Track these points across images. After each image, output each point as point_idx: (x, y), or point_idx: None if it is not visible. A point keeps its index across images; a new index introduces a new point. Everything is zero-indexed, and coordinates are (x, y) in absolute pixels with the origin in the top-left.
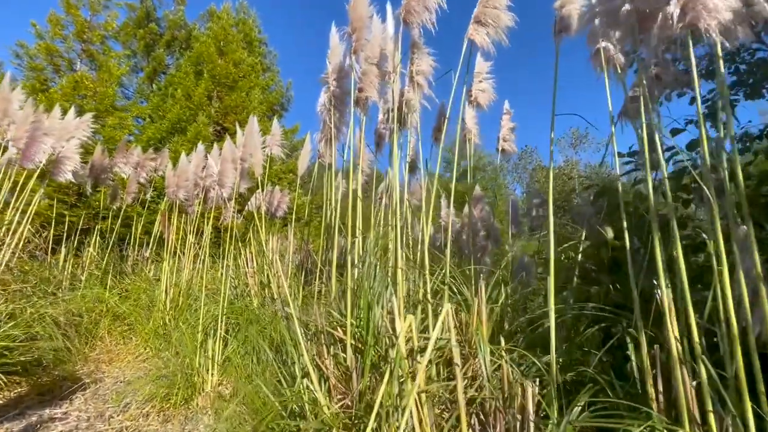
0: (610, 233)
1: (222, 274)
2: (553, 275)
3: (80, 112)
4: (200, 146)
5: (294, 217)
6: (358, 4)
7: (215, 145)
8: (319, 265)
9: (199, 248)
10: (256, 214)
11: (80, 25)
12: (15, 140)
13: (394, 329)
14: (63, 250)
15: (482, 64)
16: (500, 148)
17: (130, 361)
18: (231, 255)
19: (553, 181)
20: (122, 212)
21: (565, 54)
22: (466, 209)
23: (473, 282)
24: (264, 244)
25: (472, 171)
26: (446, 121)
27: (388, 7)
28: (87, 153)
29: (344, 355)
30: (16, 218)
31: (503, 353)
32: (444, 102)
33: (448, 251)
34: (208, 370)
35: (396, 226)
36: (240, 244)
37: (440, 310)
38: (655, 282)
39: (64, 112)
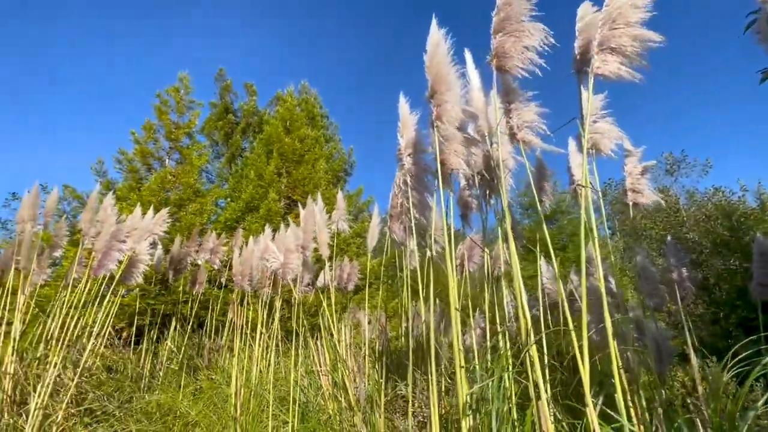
0: None
1: (293, 377)
2: None
3: (166, 204)
4: (267, 229)
5: (367, 282)
6: (437, 59)
7: (283, 226)
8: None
9: (269, 337)
10: (325, 301)
11: (168, 127)
12: (96, 251)
13: None
14: (144, 343)
15: (592, 99)
16: (630, 202)
17: None
18: (301, 346)
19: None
20: (200, 296)
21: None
22: (573, 276)
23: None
24: (336, 333)
25: (550, 215)
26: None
27: (468, 56)
28: (171, 242)
29: None
30: (100, 317)
31: None
32: (541, 156)
33: None
34: None
35: None
36: (312, 319)
37: None
38: None
39: (158, 205)
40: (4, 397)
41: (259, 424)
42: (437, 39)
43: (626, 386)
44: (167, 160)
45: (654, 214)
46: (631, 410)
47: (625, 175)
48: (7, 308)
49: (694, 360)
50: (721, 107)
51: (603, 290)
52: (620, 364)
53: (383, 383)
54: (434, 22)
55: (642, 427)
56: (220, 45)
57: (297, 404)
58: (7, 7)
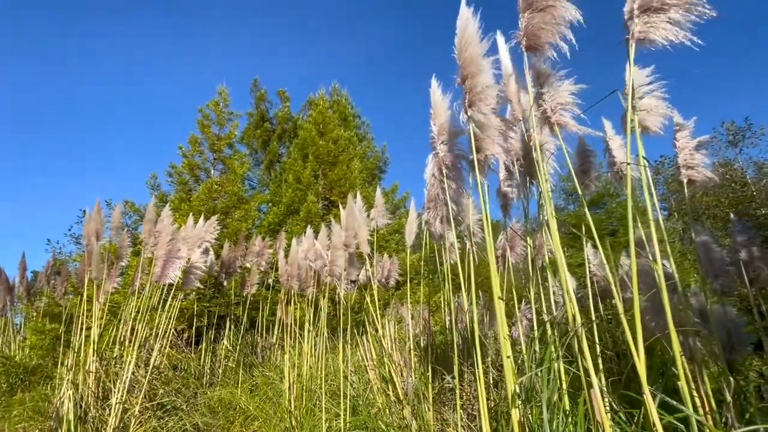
0: None
1: (342, 372)
2: None
3: (214, 212)
4: (309, 230)
5: (408, 278)
6: (467, 41)
7: (323, 227)
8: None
9: (317, 334)
10: (368, 298)
11: (211, 139)
12: (156, 259)
13: None
14: (203, 343)
15: (637, 74)
16: (684, 179)
17: None
18: (347, 341)
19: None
20: (250, 298)
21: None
22: (624, 260)
23: None
24: (380, 329)
25: (597, 199)
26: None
27: (500, 39)
28: (220, 247)
29: None
30: (164, 320)
31: None
32: (583, 139)
33: None
34: None
35: None
36: (356, 316)
37: None
38: None
39: (207, 213)
40: (89, 393)
41: (312, 417)
42: (466, 20)
43: (689, 374)
44: (212, 171)
45: (718, 191)
46: (696, 400)
47: (677, 150)
48: (86, 315)
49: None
50: None
51: (660, 271)
52: (681, 351)
53: (430, 377)
54: (463, 2)
55: (709, 417)
56: (254, 54)
57: (347, 398)
58: (65, 44)
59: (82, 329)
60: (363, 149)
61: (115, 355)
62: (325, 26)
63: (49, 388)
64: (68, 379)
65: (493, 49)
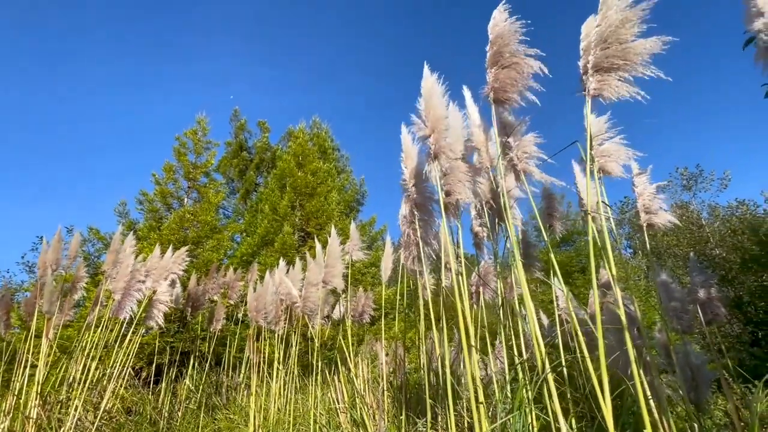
0: None
1: (312, 416)
2: None
3: (185, 242)
4: (282, 263)
5: (382, 312)
6: (433, 103)
7: (298, 260)
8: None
9: (286, 372)
10: (341, 334)
11: (187, 168)
12: (115, 291)
13: None
14: (163, 382)
15: (597, 121)
16: (644, 224)
17: None
18: (318, 381)
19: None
20: (218, 333)
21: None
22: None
23: None
24: (353, 368)
25: (566, 237)
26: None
27: (467, 93)
28: (188, 279)
29: None
30: (120, 358)
31: None
32: (548, 185)
33: None
34: None
35: None
36: (329, 353)
37: None
38: None
39: (177, 243)
40: None
41: None
42: (431, 83)
43: (656, 418)
44: (186, 199)
45: (677, 231)
46: None
47: (636, 195)
48: (32, 352)
49: (725, 385)
50: (735, 117)
51: (622, 313)
52: (647, 393)
53: (404, 420)
54: (426, 67)
55: None
56: (235, 84)
57: None
58: (40, 62)
59: (25, 368)
60: (341, 182)
61: (61, 398)
62: (308, 59)
63: None
64: (4, 427)
65: (460, 102)
